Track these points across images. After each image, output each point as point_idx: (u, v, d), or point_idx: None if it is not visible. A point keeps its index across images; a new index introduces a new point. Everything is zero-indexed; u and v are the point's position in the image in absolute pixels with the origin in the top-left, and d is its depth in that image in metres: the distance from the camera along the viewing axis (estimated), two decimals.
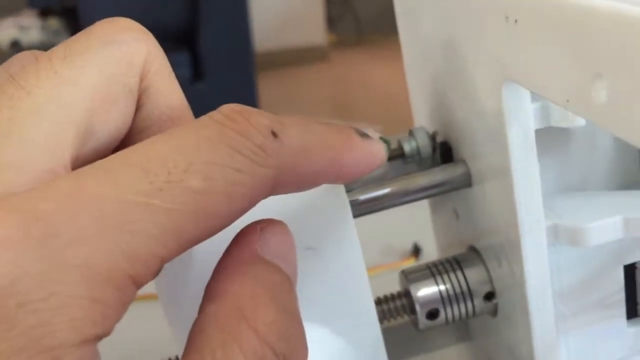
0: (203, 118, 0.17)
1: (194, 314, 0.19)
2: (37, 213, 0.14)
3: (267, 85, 2.69)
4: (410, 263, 0.56)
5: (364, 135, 0.20)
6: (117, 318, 0.15)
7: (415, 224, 0.49)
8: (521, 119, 0.23)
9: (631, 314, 0.28)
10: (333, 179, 0.20)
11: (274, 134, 0.17)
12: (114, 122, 0.19)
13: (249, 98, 2.25)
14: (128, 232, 0.15)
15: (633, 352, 0.29)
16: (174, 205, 0.15)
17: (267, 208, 0.25)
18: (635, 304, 0.28)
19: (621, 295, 0.28)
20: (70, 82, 0.18)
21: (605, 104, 0.16)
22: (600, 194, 0.28)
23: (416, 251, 0.57)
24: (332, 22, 3.63)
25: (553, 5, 0.18)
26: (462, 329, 0.36)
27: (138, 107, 0.20)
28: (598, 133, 0.28)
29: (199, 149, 0.16)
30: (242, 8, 2.22)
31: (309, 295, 0.27)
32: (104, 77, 0.18)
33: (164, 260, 0.16)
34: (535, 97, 0.24)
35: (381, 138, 0.21)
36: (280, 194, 0.19)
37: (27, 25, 2.31)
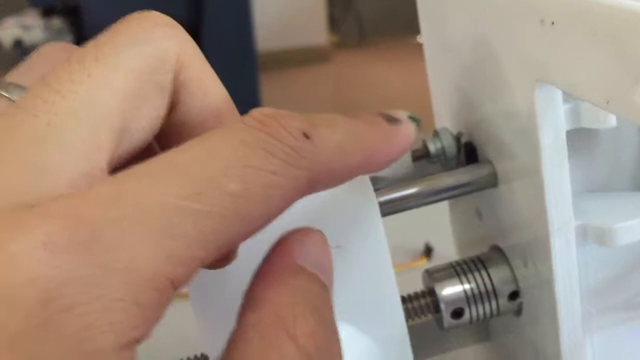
0: (236, 122, 0.17)
1: (229, 315, 0.19)
2: (80, 218, 0.14)
3: (269, 86, 2.69)
4: (422, 263, 0.56)
5: (392, 119, 0.20)
6: (156, 321, 0.15)
7: (426, 224, 0.49)
8: (553, 120, 0.23)
9: None
10: (367, 170, 0.20)
11: (306, 135, 0.17)
12: (147, 119, 0.19)
13: (252, 98, 2.25)
14: (169, 236, 0.15)
15: None
16: (213, 209, 0.15)
17: (296, 207, 0.26)
18: None
19: None
20: (103, 85, 0.18)
21: None
22: (627, 194, 0.28)
23: (428, 251, 0.58)
24: (334, 23, 3.63)
25: (593, 9, 0.18)
26: (482, 328, 0.36)
27: (176, 103, 0.20)
28: (625, 134, 0.28)
29: (236, 153, 0.16)
30: (245, 8, 2.22)
31: (337, 294, 0.27)
32: (136, 77, 0.18)
33: (203, 263, 0.16)
34: (566, 98, 0.24)
35: (410, 116, 0.21)
36: (316, 192, 0.19)
37: (30, 25, 2.30)
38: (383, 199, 0.28)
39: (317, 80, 3.26)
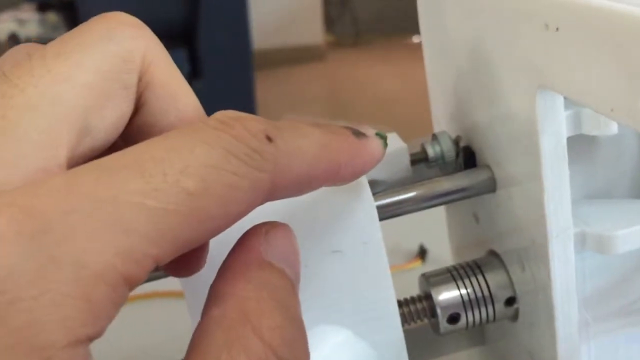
0: (198, 123, 0.17)
1: None
2: (30, 209, 0.14)
3: (264, 84, 2.69)
4: (416, 265, 0.56)
5: (359, 134, 0.21)
6: (109, 319, 0.15)
7: (421, 226, 0.49)
8: (554, 127, 0.23)
9: None
10: (332, 181, 0.20)
11: (269, 138, 0.17)
12: (110, 119, 0.19)
13: (247, 97, 2.25)
14: (122, 231, 0.15)
15: None
16: (168, 206, 0.15)
17: (294, 211, 0.25)
18: None
19: None
20: (64, 80, 0.18)
21: None
22: (626, 201, 0.28)
23: (422, 253, 0.57)
24: (330, 22, 3.64)
25: (599, 15, 0.18)
26: (477, 333, 0.36)
27: (141, 104, 0.20)
28: (625, 141, 0.28)
29: (195, 152, 0.16)
30: (241, 6, 2.22)
31: (334, 298, 0.27)
32: (99, 74, 0.18)
33: (158, 261, 0.16)
34: (567, 104, 0.24)
35: (377, 134, 0.21)
36: (280, 199, 0.19)
37: (26, 19, 2.30)
38: (381, 203, 0.28)
39: (312, 79, 3.26)
